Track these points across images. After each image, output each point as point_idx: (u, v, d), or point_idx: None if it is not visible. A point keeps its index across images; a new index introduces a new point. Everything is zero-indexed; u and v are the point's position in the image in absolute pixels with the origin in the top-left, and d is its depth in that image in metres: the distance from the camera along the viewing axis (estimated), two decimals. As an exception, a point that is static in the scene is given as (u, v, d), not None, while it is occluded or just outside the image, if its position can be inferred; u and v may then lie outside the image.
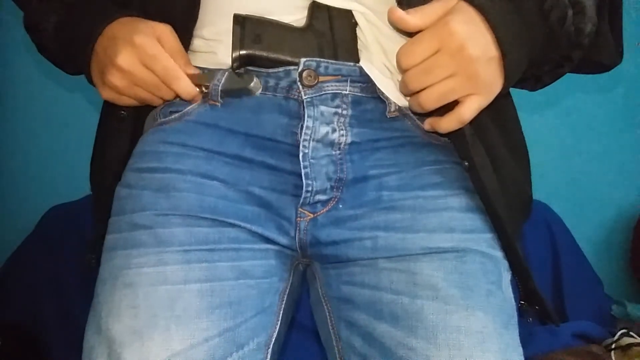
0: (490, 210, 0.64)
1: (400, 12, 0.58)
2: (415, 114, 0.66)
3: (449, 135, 0.64)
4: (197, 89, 0.66)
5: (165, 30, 0.65)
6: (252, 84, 0.65)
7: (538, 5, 0.60)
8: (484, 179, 0.63)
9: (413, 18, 0.58)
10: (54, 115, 1.49)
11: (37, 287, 1.24)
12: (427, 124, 0.64)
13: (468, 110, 0.59)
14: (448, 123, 0.61)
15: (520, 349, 0.62)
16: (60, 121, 1.49)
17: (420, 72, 0.58)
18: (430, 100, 0.59)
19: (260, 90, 0.66)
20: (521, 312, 0.69)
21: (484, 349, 0.58)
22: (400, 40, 0.64)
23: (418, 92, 0.60)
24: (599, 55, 0.68)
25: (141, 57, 0.64)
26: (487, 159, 0.64)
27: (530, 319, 0.70)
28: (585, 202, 1.34)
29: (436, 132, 0.64)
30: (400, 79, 0.63)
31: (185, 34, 0.67)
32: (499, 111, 0.66)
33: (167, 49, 0.65)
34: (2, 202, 1.44)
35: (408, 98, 0.63)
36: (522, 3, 0.59)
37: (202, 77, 0.66)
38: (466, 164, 0.64)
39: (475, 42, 0.57)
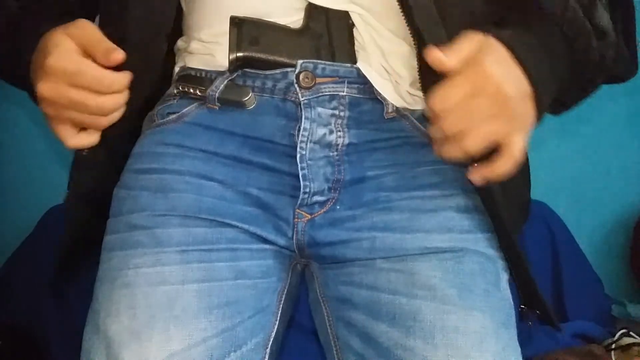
0: (493, 212, 0.64)
1: (438, 54, 0.55)
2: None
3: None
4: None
5: (80, 29, 0.59)
6: (246, 99, 0.66)
7: (563, 38, 0.60)
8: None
9: (450, 60, 0.56)
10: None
11: (37, 287, 1.24)
12: (476, 174, 0.59)
13: (518, 148, 0.58)
14: (504, 165, 0.57)
15: (519, 349, 0.62)
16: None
17: (459, 116, 0.55)
18: (476, 143, 0.56)
19: (253, 105, 0.66)
20: (522, 316, 0.69)
21: (482, 349, 0.58)
22: (397, 42, 0.65)
23: (456, 137, 0.57)
24: (616, 70, 0.68)
25: (61, 78, 0.58)
26: None
27: (531, 323, 0.70)
28: (585, 202, 1.33)
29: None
30: (402, 86, 0.63)
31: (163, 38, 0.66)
32: None
33: (87, 47, 0.58)
34: (2, 202, 1.44)
35: (440, 144, 0.59)
36: (547, 37, 0.60)
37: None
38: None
39: (511, 82, 0.56)
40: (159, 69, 0.68)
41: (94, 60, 0.58)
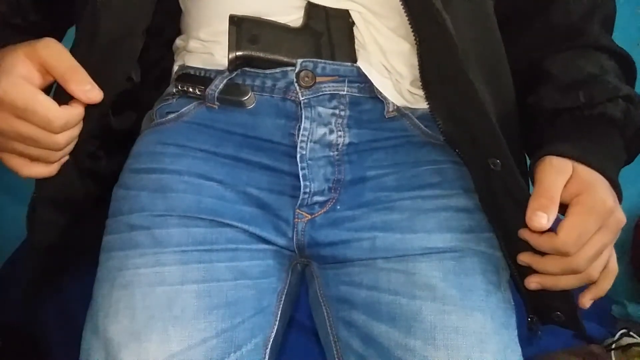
0: (495, 215, 0.64)
1: (539, 220, 0.56)
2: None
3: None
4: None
5: (46, 51, 0.54)
6: (246, 98, 0.66)
7: (621, 136, 0.63)
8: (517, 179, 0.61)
9: (551, 217, 0.56)
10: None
11: (37, 287, 1.24)
12: (588, 298, 0.62)
13: (615, 262, 0.61)
14: (609, 283, 0.61)
15: (519, 349, 0.62)
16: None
17: (594, 256, 0.58)
18: (600, 269, 0.60)
19: (253, 104, 0.66)
20: (529, 327, 0.69)
21: (482, 350, 0.58)
22: (398, 40, 0.64)
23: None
24: None
25: (9, 110, 0.53)
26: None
27: (540, 333, 0.70)
28: (585, 202, 1.33)
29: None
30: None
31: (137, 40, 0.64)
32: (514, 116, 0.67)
33: (55, 73, 0.54)
34: (2, 202, 1.44)
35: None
36: (613, 143, 0.63)
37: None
38: (498, 161, 0.61)
39: (620, 208, 0.59)
40: (132, 65, 0.67)
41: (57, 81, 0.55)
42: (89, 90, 0.55)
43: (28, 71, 0.54)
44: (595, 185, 0.58)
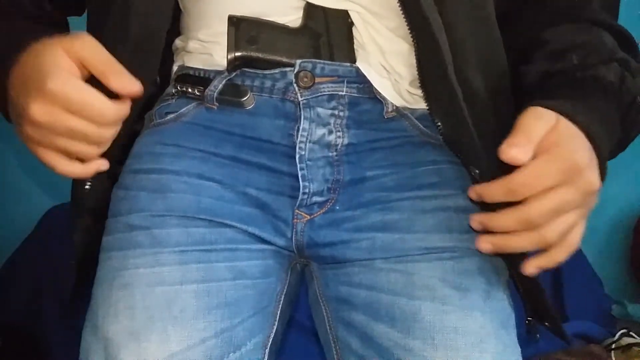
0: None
1: (512, 152, 0.51)
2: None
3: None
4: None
5: (83, 47, 0.53)
6: (245, 99, 0.66)
7: (618, 107, 0.60)
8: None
9: (526, 153, 0.52)
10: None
11: (37, 287, 1.24)
12: (532, 266, 0.56)
13: (579, 237, 0.55)
14: (564, 253, 0.55)
15: (519, 350, 0.62)
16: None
17: (551, 211, 0.52)
18: (556, 234, 0.53)
19: (252, 105, 0.66)
20: (528, 329, 0.69)
21: (482, 350, 0.58)
22: (397, 40, 0.64)
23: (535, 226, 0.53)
24: None
25: (61, 105, 0.53)
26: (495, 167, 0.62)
27: (538, 336, 0.70)
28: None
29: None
30: (406, 87, 0.63)
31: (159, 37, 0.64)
32: (505, 116, 0.66)
33: (93, 69, 0.53)
34: (2, 202, 1.44)
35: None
36: (605, 108, 0.59)
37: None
38: (477, 171, 0.61)
39: (596, 173, 0.54)
40: (158, 67, 0.67)
41: (92, 79, 0.54)
42: (130, 83, 0.54)
43: (71, 66, 0.53)
44: (573, 139, 0.54)
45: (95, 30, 0.60)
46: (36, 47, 0.55)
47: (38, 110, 0.52)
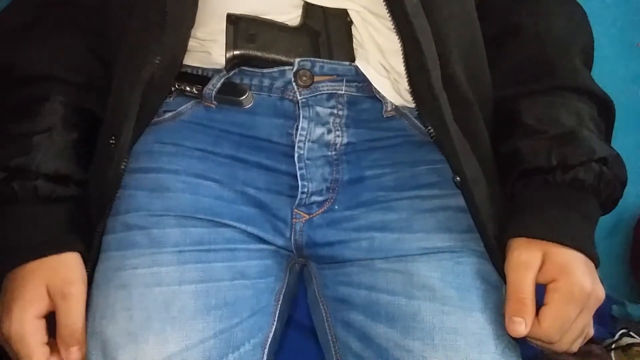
0: (480, 228, 0.63)
1: (517, 329, 0.58)
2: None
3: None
4: None
5: (62, 307, 0.60)
6: (243, 97, 0.65)
7: (596, 198, 0.62)
8: (476, 194, 0.62)
9: (527, 325, 0.57)
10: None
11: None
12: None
13: (591, 328, 0.62)
14: (577, 346, 0.61)
15: (518, 350, 0.62)
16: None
17: (575, 338, 0.60)
18: (578, 343, 0.61)
19: (250, 104, 0.66)
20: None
21: (481, 350, 0.58)
22: (396, 39, 0.64)
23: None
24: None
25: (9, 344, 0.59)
26: (480, 173, 0.63)
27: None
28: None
29: None
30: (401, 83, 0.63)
31: (180, 34, 0.64)
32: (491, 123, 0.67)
33: (58, 328, 0.60)
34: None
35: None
36: (585, 208, 0.62)
37: None
38: (458, 179, 0.62)
39: (598, 283, 0.59)
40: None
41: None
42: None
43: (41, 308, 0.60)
44: (571, 267, 0.58)
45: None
46: (21, 274, 0.60)
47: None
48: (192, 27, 0.64)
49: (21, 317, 0.58)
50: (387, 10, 0.61)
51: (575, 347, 0.60)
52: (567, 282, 0.57)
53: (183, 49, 0.65)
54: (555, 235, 0.59)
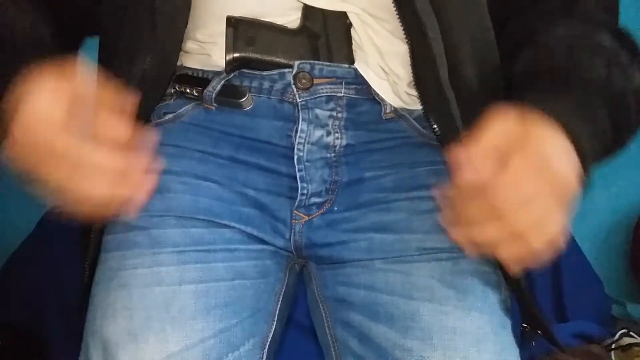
0: None
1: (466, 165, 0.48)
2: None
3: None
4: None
5: (75, 84, 0.50)
6: (243, 100, 0.66)
7: (604, 103, 0.56)
8: None
9: (481, 167, 0.48)
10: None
11: (37, 287, 1.24)
12: (512, 262, 0.52)
13: (555, 227, 0.50)
14: (536, 243, 0.50)
15: (517, 350, 0.62)
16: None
17: (518, 199, 0.48)
18: (543, 241, 0.50)
19: (250, 106, 0.66)
20: (523, 336, 0.69)
21: (480, 350, 0.58)
22: (395, 42, 0.64)
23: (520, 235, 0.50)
24: None
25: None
26: None
27: (534, 343, 0.69)
28: (585, 202, 1.33)
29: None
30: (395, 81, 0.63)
31: (173, 33, 0.64)
32: None
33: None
34: (2, 202, 1.44)
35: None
36: (590, 104, 0.55)
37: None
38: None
39: (569, 165, 0.50)
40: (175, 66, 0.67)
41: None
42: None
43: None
44: (542, 132, 0.50)
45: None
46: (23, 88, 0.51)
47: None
48: (185, 26, 0.64)
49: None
50: (395, 6, 0.60)
51: (536, 243, 0.49)
52: (537, 150, 0.48)
53: (177, 48, 0.65)
54: (540, 104, 0.51)
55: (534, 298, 0.67)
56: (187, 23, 0.64)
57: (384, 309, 0.62)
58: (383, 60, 0.65)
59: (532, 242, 0.49)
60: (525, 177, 0.48)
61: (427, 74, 0.61)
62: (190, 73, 0.69)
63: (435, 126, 0.63)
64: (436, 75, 0.59)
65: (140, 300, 0.59)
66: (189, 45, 0.69)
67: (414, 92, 0.66)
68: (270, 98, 0.66)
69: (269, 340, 0.65)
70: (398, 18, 0.60)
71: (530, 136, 0.49)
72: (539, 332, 0.68)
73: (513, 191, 0.48)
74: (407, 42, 0.61)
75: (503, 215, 0.48)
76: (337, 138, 0.66)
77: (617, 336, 1.12)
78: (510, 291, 0.66)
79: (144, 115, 0.65)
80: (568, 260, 1.27)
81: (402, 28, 0.61)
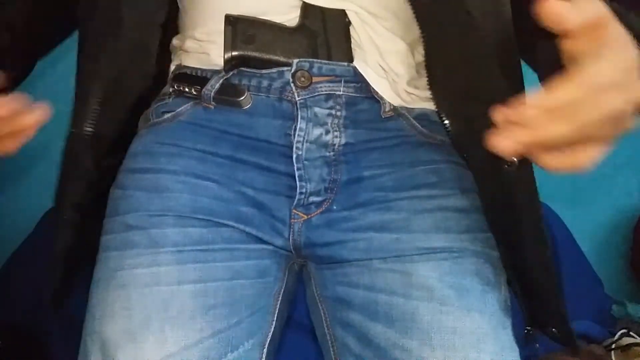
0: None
1: (558, 7, 0.40)
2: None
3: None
4: None
5: None
6: (242, 98, 0.66)
7: None
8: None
9: (574, 19, 0.41)
10: (54, 113, 1.49)
11: (37, 287, 1.24)
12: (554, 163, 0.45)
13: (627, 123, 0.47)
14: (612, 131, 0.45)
15: (517, 350, 0.62)
16: (60, 119, 1.49)
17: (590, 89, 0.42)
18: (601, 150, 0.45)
19: (249, 105, 0.66)
20: (526, 338, 0.68)
21: (480, 350, 0.58)
22: (394, 40, 0.64)
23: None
24: None
25: None
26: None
27: (538, 345, 0.69)
28: (585, 202, 1.33)
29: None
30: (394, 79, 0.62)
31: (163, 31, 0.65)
32: None
33: None
34: (2, 202, 1.44)
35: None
36: None
37: None
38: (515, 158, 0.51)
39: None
40: (154, 61, 0.68)
41: None
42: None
43: None
44: (624, 43, 0.44)
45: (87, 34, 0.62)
46: None
47: None
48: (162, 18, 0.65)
49: None
50: None
51: (603, 135, 0.44)
52: (614, 44, 0.42)
53: (153, 39, 0.66)
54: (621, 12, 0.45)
55: (563, 297, 0.65)
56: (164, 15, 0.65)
57: (383, 308, 0.62)
58: (382, 59, 0.65)
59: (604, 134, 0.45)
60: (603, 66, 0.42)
61: (443, 64, 0.59)
62: (188, 72, 0.69)
63: (446, 122, 0.62)
64: (455, 61, 0.57)
65: (139, 300, 0.59)
66: (188, 44, 0.69)
67: (414, 91, 0.66)
68: (269, 96, 0.66)
69: (268, 340, 0.64)
70: (411, 7, 0.59)
71: (619, 38, 0.44)
72: (553, 329, 0.66)
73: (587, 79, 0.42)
74: (422, 36, 0.60)
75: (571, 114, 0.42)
76: (336, 136, 0.66)
77: (617, 336, 1.11)
78: (520, 296, 0.65)
79: (124, 102, 0.66)
80: (568, 260, 1.27)
81: (414, 15, 0.59)
